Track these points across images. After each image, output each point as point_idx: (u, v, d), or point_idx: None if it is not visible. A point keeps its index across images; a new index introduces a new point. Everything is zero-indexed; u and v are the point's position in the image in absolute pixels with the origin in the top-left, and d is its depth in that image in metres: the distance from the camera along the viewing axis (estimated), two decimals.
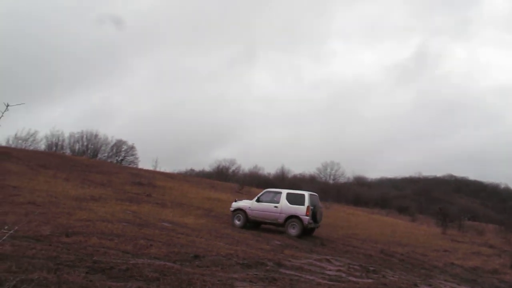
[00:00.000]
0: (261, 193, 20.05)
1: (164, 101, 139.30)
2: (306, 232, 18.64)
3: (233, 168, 79.90)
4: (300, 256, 13.23)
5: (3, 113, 3.93)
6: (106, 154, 65.38)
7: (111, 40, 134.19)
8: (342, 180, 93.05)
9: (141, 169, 47.34)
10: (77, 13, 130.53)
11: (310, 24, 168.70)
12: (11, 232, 4.57)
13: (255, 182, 63.92)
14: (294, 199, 18.60)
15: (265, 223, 19.30)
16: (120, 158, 66.18)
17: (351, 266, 12.70)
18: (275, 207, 18.66)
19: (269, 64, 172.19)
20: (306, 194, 18.69)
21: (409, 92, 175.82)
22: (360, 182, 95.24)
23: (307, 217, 17.94)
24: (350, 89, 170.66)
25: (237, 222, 19.23)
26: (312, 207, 18.27)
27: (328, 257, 13.89)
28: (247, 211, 19.24)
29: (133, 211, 17.01)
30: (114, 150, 66.17)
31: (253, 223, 19.31)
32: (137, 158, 66.64)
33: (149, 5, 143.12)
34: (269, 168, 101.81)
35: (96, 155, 62.75)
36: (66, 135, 62.33)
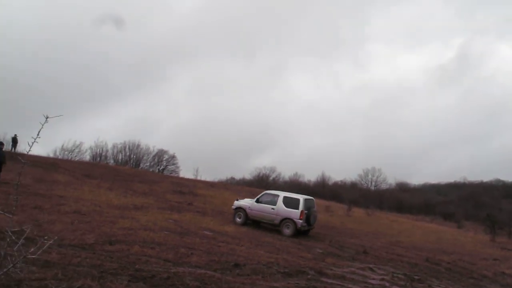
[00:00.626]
0: (261, 194, 21.16)
1: (204, 111, 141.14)
2: (301, 232, 19.56)
3: (273, 175, 79.80)
4: (342, 264, 13.00)
5: (43, 124, 4.04)
6: (148, 164, 66.79)
7: (152, 52, 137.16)
8: (383, 186, 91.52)
9: (182, 178, 47.95)
10: (119, 27, 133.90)
11: (348, 28, 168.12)
12: (51, 242, 4.66)
13: (296, 190, 63.53)
14: (290, 203, 19.58)
15: (263, 222, 20.25)
16: (162, 167, 67.35)
17: (395, 275, 12.38)
18: (272, 209, 19.75)
19: (308, 71, 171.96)
20: (301, 199, 19.61)
21: (453, 94, 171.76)
22: (402, 188, 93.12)
23: (301, 221, 18.96)
24: (391, 93, 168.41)
25: (237, 220, 20.49)
26: (306, 211, 19.31)
27: (371, 265, 13.60)
28: (247, 210, 20.46)
29: (174, 220, 17.18)
30: (156, 160, 67.48)
31: (253, 221, 20.43)
32: (178, 167, 67.72)
33: (188, 17, 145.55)
34: (310, 175, 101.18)
35: (139, 165, 64.12)
36: (110, 146, 64.26)
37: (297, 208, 19.15)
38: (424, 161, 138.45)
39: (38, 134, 4.14)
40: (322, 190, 77.84)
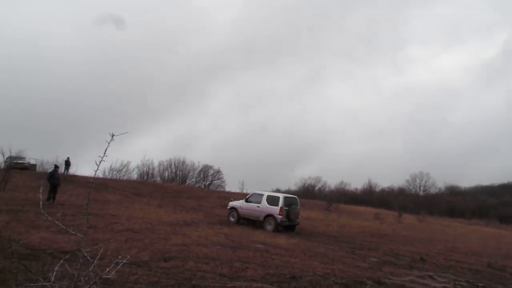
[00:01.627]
0: (250, 194, 23.35)
1: (245, 124, 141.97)
2: (288, 228, 21.40)
3: (319, 185, 79.11)
4: (400, 273, 12.56)
5: (109, 142, 4.08)
6: (194, 180, 67.61)
7: (190, 69, 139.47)
8: (433, 191, 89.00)
9: (228, 192, 48.15)
10: (158, 44, 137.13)
11: (384, 33, 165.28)
12: (124, 261, 4.66)
13: (343, 198, 62.70)
14: (272, 201, 21.42)
15: (251, 220, 22.08)
16: (208, 182, 68.01)
17: (457, 282, 11.85)
18: (258, 207, 21.66)
19: (347, 78, 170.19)
20: (281, 196, 21.54)
21: (500, 92, 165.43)
22: (453, 192, 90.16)
23: (280, 216, 20.66)
24: (434, 95, 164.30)
25: (231, 219, 22.49)
26: (286, 208, 20.88)
27: (430, 273, 13.08)
28: (238, 209, 22.52)
29: (225, 234, 17.15)
30: (202, 175, 68.22)
31: (245, 220, 22.41)
32: (223, 182, 68.22)
33: (223, 31, 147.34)
34: (356, 183, 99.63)
35: (185, 181, 64.96)
36: (156, 163, 65.45)
37: (277, 205, 20.92)
38: (474, 162, 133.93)
39: (104, 153, 4.24)
40: (370, 197, 76.58)
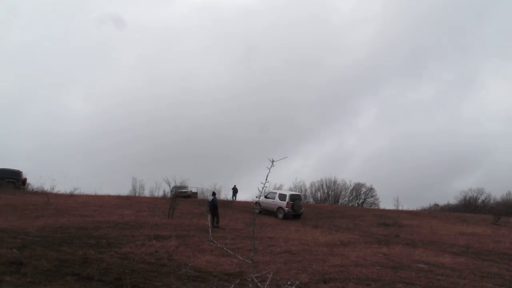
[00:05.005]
0: (268, 193, 31.89)
1: (394, 137, 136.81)
2: (295, 216, 30.60)
3: (482, 197, 72.32)
4: None
5: (269, 168, 4.27)
6: (346, 199, 66.77)
7: (333, 86, 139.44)
8: None
9: (383, 210, 46.52)
10: (298, 63, 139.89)
11: None
12: (288, 284, 4.79)
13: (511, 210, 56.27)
14: (281, 197, 30.93)
15: (267, 211, 31.19)
16: (361, 201, 66.64)
17: None
18: (272, 201, 30.98)
19: (501, 77, 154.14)
20: (288, 194, 31.37)
21: None
22: None
23: (287, 208, 29.91)
24: None
25: (256, 211, 25.34)
26: (291, 202, 30.04)
27: None
28: (261, 203, 30.79)
29: (384, 254, 16.54)
30: (354, 194, 67.14)
31: (265, 211, 31.32)
32: (377, 199, 66.23)
33: (366, 44, 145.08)
34: None
35: (338, 201, 64.53)
36: (308, 185, 66.21)
37: (285, 200, 30.29)
38: None
39: (266, 179, 4.46)
40: None
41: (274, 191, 33.76)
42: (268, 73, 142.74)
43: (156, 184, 49.11)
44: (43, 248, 11.89)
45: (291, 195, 31.08)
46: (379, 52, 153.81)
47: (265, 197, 31.04)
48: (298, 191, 55.84)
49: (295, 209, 30.07)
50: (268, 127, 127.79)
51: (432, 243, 21.84)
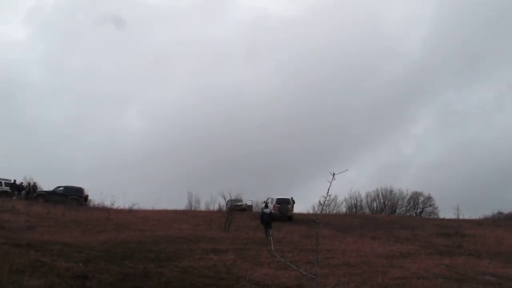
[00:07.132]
0: (267, 198, 37.40)
1: (452, 144, 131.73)
2: (287, 219, 34.44)
3: None
4: None
5: (331, 182, 4.34)
6: (403, 209, 65.12)
7: (387, 93, 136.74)
8: None
9: (443, 219, 45.01)
10: (351, 71, 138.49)
11: None
12: None
13: None
14: (270, 201, 35.57)
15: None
16: (419, 210, 64.79)
17: None
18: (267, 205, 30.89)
19: None
20: (275, 198, 36.05)
21: None
22: None
23: (273, 210, 31.89)
24: None
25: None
26: (278, 205, 34.55)
27: None
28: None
29: (446, 265, 16.00)
30: (411, 203, 65.38)
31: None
32: (436, 208, 64.13)
33: (419, 48, 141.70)
34: None
35: (395, 211, 63.07)
36: (363, 195, 65.21)
37: (272, 203, 34.33)
38: None
39: (328, 192, 4.54)
40: None
41: (272, 196, 37.77)
42: (320, 81, 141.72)
43: (211, 197, 49.94)
44: (106, 262, 12.38)
45: (278, 199, 35.94)
46: (432, 58, 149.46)
47: (265, 201, 35.88)
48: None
49: (282, 211, 34.35)
50: (322, 136, 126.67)
51: (499, 254, 20.91)
